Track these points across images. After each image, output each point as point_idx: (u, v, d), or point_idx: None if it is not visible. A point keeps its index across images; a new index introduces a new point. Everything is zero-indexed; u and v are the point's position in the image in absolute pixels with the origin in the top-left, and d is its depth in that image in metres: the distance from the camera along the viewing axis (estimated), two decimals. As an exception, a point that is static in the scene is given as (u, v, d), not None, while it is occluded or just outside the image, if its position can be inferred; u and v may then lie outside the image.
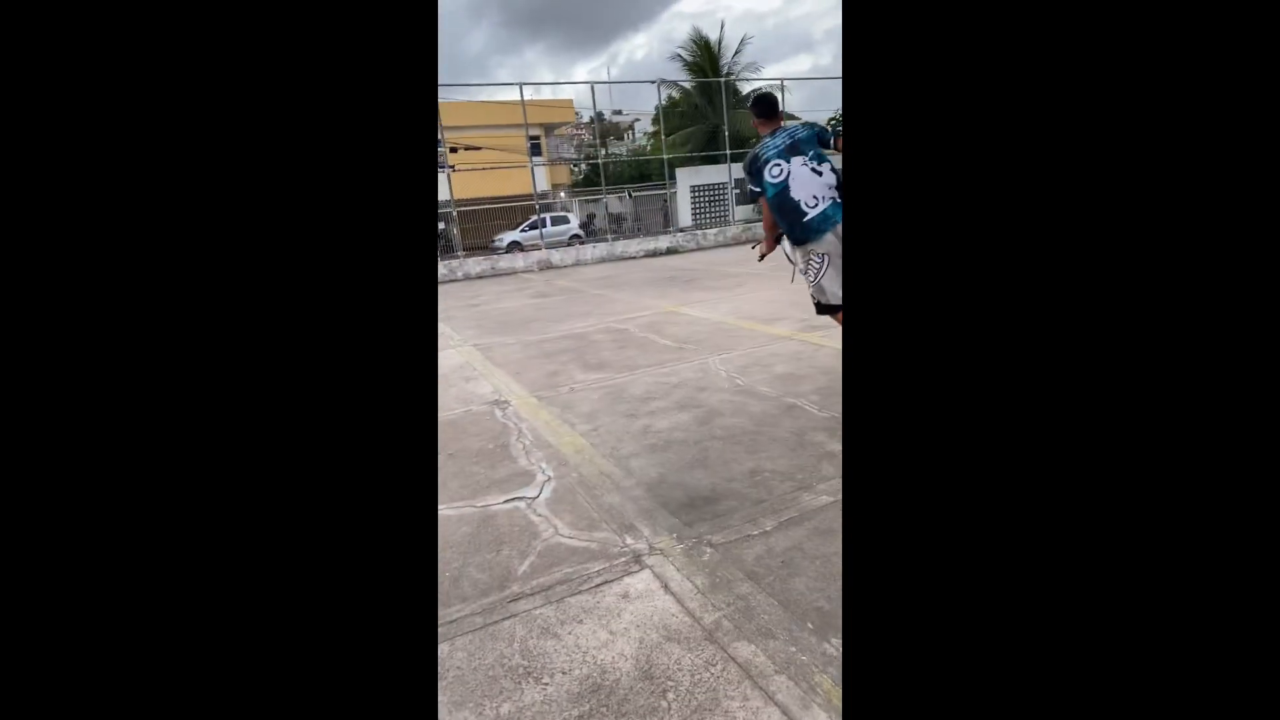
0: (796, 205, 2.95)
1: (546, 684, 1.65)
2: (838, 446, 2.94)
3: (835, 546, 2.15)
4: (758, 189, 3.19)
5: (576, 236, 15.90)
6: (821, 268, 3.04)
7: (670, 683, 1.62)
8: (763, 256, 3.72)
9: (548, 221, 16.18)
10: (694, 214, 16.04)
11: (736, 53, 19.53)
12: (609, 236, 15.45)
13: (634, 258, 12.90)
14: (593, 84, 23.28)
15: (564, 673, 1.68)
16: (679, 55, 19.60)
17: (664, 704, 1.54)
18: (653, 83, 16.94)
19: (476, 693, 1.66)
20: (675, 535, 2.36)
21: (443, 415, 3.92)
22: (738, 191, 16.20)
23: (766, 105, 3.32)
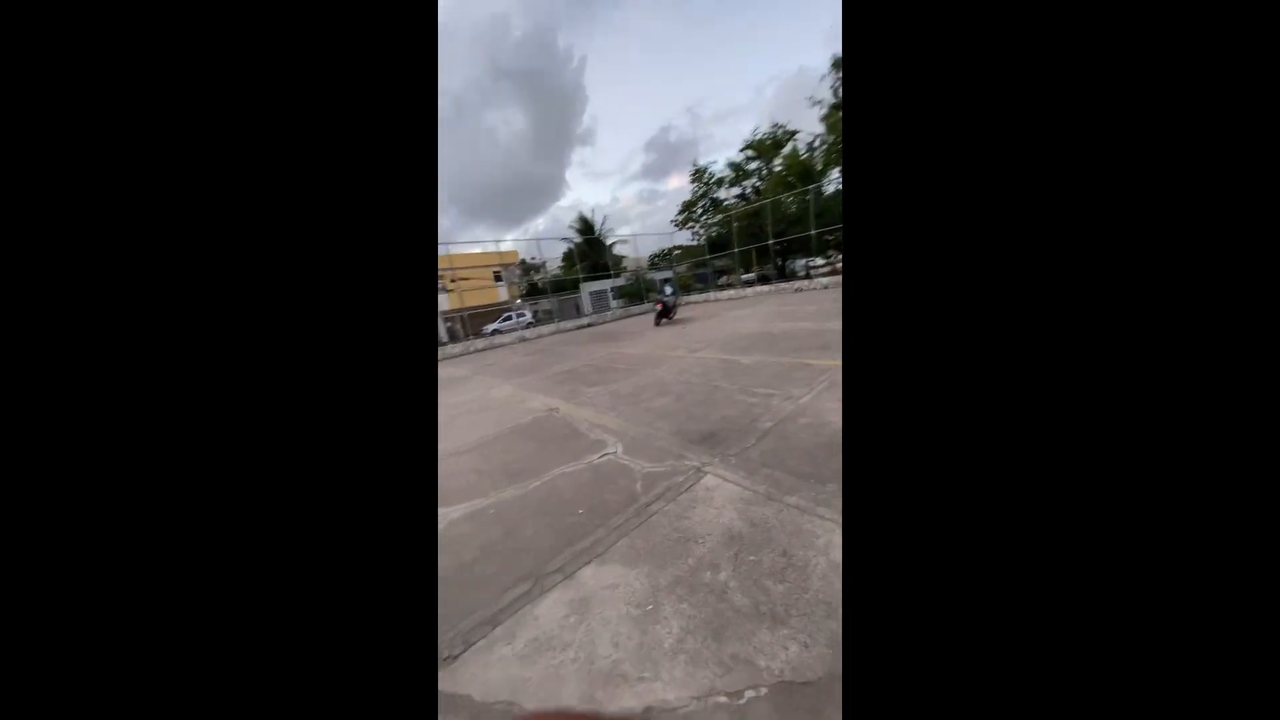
0: (664, 291, 9.97)
1: (703, 541, 1.93)
2: (753, 399, 3.72)
3: (797, 443, 2.69)
4: (664, 289, 10.95)
5: (530, 324, 20.82)
6: (664, 299, 11.18)
7: (767, 523, 1.97)
8: (658, 322, 10.35)
9: (513, 316, 21.86)
10: (592, 306, 23.71)
11: (601, 224, 27.65)
12: (553, 320, 20.97)
13: (569, 331, 17.14)
14: (538, 240, 37.47)
15: (708, 535, 1.96)
16: (572, 226, 27.54)
17: (771, 536, 1.89)
18: (564, 240, 27.42)
19: (667, 555, 1.87)
20: (709, 454, 2.79)
21: (520, 421, 4.47)
22: (614, 295, 24.96)
23: (667, 275, 11.60)
